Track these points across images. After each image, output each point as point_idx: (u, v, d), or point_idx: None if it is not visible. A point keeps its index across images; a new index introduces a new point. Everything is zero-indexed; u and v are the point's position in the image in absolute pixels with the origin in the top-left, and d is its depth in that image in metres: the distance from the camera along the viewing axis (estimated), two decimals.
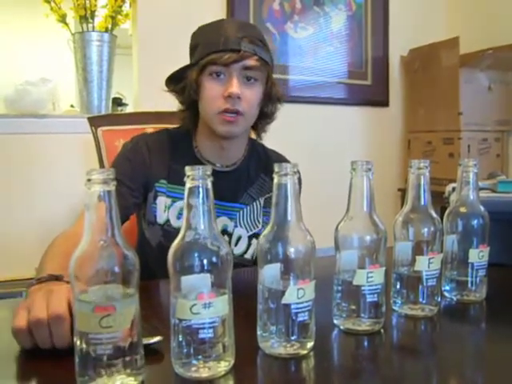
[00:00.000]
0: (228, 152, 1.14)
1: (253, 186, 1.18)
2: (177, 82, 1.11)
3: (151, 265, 1.04)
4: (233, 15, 2.30)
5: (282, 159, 1.25)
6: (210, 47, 1.03)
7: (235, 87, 1.02)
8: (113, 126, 1.44)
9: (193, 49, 1.09)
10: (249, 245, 1.15)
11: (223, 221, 1.13)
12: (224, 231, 1.13)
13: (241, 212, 1.15)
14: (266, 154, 1.23)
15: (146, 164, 1.11)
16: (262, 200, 1.18)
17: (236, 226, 1.15)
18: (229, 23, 1.08)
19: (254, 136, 1.21)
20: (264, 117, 1.14)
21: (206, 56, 1.03)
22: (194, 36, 1.11)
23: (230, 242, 1.14)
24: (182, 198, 1.10)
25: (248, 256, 1.15)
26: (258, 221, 1.17)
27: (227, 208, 1.14)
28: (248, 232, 1.15)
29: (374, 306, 0.68)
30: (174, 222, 1.10)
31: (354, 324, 0.69)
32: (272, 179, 0.62)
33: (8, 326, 0.62)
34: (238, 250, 1.14)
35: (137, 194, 1.09)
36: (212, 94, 1.04)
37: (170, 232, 1.10)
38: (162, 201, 1.11)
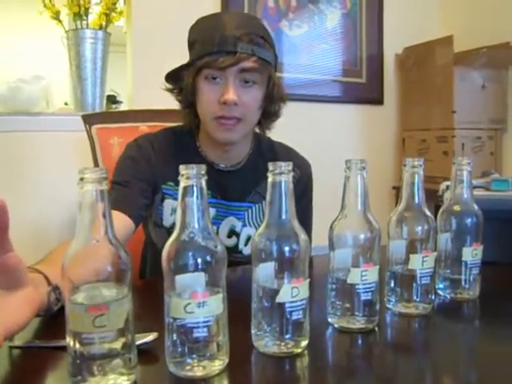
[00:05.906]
0: (230, 154, 1.10)
1: (261, 184, 1.11)
2: (175, 80, 1.08)
3: (159, 265, 1.01)
4: None
5: (291, 153, 1.20)
6: (206, 47, 0.98)
7: (231, 93, 0.97)
8: (107, 123, 1.44)
9: (190, 45, 1.05)
10: None
11: (231, 221, 1.11)
12: (232, 231, 1.11)
13: (249, 211, 1.12)
14: (272, 150, 1.17)
15: (151, 164, 1.07)
16: None
17: (244, 226, 1.12)
18: (227, 17, 1.02)
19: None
20: (267, 115, 1.10)
21: (201, 58, 0.98)
22: (192, 31, 1.06)
23: (238, 243, 1.12)
24: None
25: None
26: None
27: (234, 208, 1.11)
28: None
29: (368, 304, 0.68)
30: None
31: (348, 322, 0.69)
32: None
33: None
34: (248, 249, 1.11)
35: (147, 195, 1.05)
36: (208, 98, 1.00)
37: None
38: (169, 203, 1.08)
